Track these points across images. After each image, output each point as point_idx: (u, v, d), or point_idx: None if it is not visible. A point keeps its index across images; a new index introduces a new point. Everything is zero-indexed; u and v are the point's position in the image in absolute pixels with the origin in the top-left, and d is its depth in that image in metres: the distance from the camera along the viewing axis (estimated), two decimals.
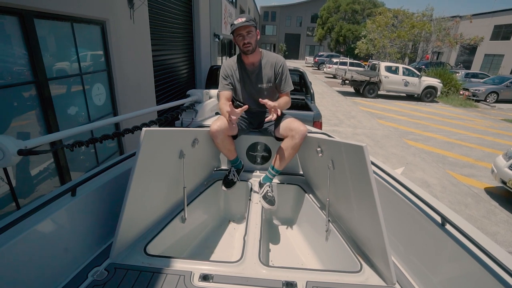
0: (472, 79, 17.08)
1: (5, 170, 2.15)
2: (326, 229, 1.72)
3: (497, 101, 13.84)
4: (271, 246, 1.98)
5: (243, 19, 1.89)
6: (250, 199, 2.02)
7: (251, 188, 2.13)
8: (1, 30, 2.19)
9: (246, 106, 1.80)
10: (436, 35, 18.15)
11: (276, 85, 2.11)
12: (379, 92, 13.41)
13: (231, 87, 2.10)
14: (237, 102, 2.24)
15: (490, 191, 4.62)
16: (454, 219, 1.19)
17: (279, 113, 1.80)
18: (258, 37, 2.00)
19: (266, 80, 2.08)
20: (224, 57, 12.58)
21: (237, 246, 1.93)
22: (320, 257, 1.81)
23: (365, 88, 13.23)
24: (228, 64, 2.11)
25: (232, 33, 1.93)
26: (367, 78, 13.09)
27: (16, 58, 2.31)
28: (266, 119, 1.87)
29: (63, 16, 2.75)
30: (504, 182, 4.14)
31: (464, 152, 6.43)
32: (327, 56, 28.13)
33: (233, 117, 1.76)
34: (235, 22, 1.90)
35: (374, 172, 1.61)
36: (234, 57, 2.13)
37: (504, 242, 3.36)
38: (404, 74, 12.96)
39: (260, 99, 1.87)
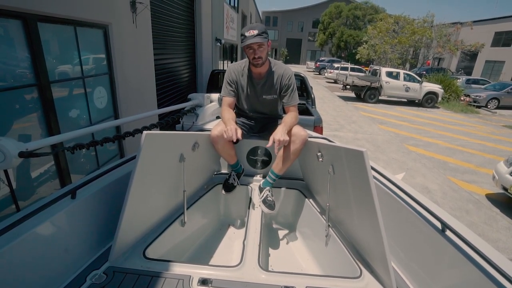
0: (473, 85, 17.11)
1: (5, 172, 2.15)
2: (326, 234, 1.71)
3: (498, 107, 13.85)
4: (270, 250, 1.97)
5: (255, 32, 1.77)
6: (250, 204, 2.01)
7: (251, 193, 2.13)
8: (5, 33, 2.22)
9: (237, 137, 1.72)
10: (437, 41, 18.22)
11: (281, 97, 2.06)
12: (380, 98, 13.43)
13: (235, 94, 2.06)
14: (238, 108, 2.24)
15: (491, 198, 4.60)
16: (455, 225, 1.18)
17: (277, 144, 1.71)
18: (269, 48, 1.90)
19: (272, 92, 2.04)
20: (225, 61, 12.64)
21: (237, 250, 1.92)
22: (320, 262, 1.80)
23: (366, 93, 13.26)
24: (234, 69, 2.04)
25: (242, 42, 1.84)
26: (368, 84, 13.12)
27: (19, 61, 2.33)
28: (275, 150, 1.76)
29: (67, 20, 2.78)
30: (505, 189, 4.12)
31: (465, 158, 6.42)
32: (328, 61, 28.25)
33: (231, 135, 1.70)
34: (246, 34, 1.78)
35: (375, 177, 1.61)
36: (242, 62, 2.06)
37: (505, 249, 3.34)
38: (405, 79, 12.99)
39: (269, 144, 1.74)
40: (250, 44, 1.79)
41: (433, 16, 18.79)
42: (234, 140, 1.75)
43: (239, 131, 1.73)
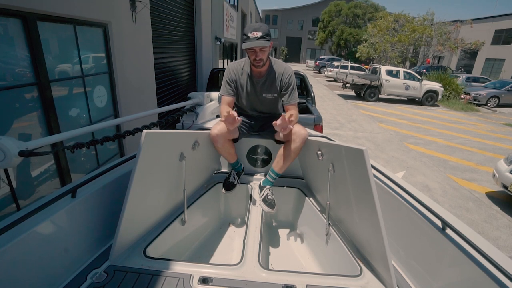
0: (473, 83, 17.09)
1: (6, 171, 2.15)
2: (326, 232, 1.72)
3: (498, 105, 13.83)
4: (271, 249, 1.97)
5: (259, 34, 1.75)
6: (250, 202, 2.01)
7: (251, 191, 2.13)
8: (4, 32, 2.21)
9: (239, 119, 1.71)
10: (437, 39, 18.17)
11: (281, 96, 2.04)
12: (380, 96, 13.41)
13: (234, 93, 2.04)
14: (238, 107, 2.23)
15: (491, 196, 4.61)
16: (455, 224, 1.18)
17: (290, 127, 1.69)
18: (271, 48, 1.88)
19: (272, 90, 2.03)
20: (225, 60, 12.62)
21: (237, 249, 1.92)
22: (320, 261, 1.81)
23: (366, 92, 13.24)
24: (234, 68, 2.03)
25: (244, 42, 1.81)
26: (368, 82, 13.11)
27: (18, 60, 2.33)
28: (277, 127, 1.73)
29: (66, 18, 2.77)
30: (505, 187, 4.13)
31: (465, 156, 6.42)
32: (328, 60, 28.16)
33: (230, 121, 1.68)
34: (250, 35, 1.76)
35: (375, 176, 1.61)
36: (241, 61, 2.04)
37: (505, 247, 3.34)
38: (405, 78, 12.97)
39: (273, 123, 1.73)
40: (252, 46, 1.78)
41: (433, 14, 18.73)
42: (234, 115, 1.67)
43: (238, 119, 1.71)
